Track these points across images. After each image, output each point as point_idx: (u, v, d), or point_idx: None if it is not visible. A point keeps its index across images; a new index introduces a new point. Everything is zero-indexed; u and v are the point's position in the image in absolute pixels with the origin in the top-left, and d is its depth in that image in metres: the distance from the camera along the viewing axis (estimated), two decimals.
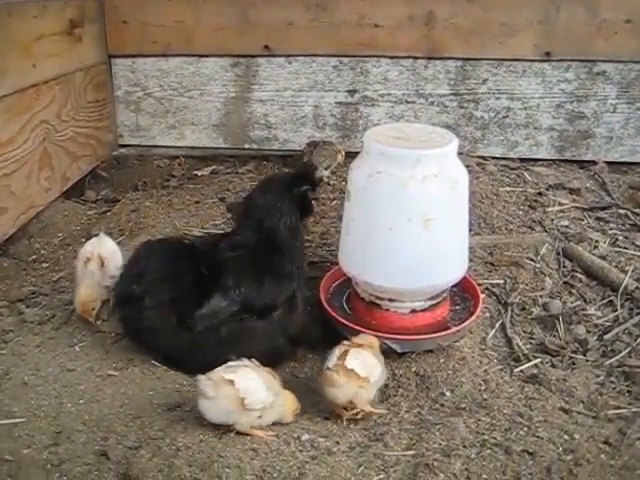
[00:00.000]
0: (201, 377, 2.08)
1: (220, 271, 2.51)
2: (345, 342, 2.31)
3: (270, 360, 2.34)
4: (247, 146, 4.49)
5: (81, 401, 2.29)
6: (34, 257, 3.36)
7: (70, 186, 3.98)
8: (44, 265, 3.29)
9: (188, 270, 2.52)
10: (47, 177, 3.67)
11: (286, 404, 2.21)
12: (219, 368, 2.13)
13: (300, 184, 2.73)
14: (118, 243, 3.07)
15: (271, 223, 2.63)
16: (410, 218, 2.37)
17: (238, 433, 2.13)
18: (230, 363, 2.17)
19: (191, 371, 2.37)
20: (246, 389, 2.09)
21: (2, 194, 3.23)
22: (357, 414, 2.28)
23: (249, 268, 2.54)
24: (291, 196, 2.68)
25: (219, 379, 2.08)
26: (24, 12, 3.43)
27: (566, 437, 2.15)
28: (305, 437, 2.16)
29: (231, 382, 2.08)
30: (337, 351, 2.25)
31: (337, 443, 2.16)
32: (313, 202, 2.83)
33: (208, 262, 2.55)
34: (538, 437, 2.14)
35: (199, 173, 4.35)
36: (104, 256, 2.79)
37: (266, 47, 4.24)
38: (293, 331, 2.59)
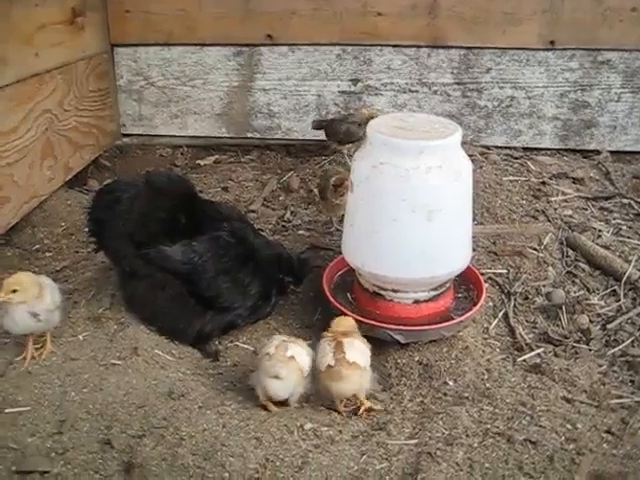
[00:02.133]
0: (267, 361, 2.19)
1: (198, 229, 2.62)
2: (327, 333, 2.29)
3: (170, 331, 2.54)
4: (250, 135, 4.48)
5: (85, 390, 2.29)
6: (37, 246, 3.36)
7: (73, 175, 3.98)
8: (47, 254, 3.30)
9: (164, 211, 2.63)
10: (50, 166, 3.67)
11: None
12: (271, 346, 2.22)
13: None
14: None
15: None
16: (414, 209, 2.37)
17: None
18: (274, 339, 2.27)
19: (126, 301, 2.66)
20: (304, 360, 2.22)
21: (5, 183, 3.23)
22: (359, 408, 2.29)
23: (222, 254, 2.60)
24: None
25: (284, 358, 2.17)
26: (26, 1, 3.41)
27: (569, 426, 2.16)
28: (308, 426, 2.17)
29: (293, 358, 2.18)
30: (328, 346, 2.23)
31: (340, 432, 2.17)
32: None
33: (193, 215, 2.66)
34: (541, 426, 2.15)
35: (202, 162, 4.35)
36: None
37: (269, 36, 4.22)
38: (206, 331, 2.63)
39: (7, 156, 3.24)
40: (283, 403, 2.28)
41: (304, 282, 2.91)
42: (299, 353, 2.23)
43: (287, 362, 2.19)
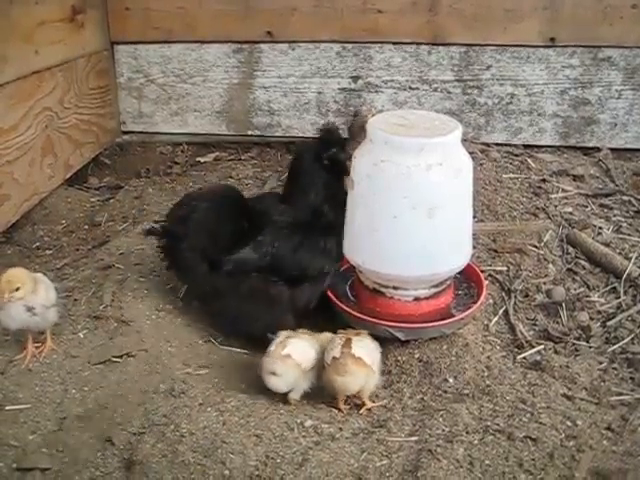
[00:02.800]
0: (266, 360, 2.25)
1: (261, 229, 2.67)
2: (341, 331, 2.32)
3: (268, 328, 2.48)
4: (250, 133, 4.48)
5: (85, 387, 2.30)
6: (37, 244, 3.37)
7: (73, 173, 3.99)
8: (47, 252, 3.30)
9: (231, 221, 2.72)
10: (50, 164, 3.67)
11: None
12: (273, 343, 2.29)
13: (327, 148, 2.80)
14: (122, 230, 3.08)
15: (316, 201, 2.76)
16: (414, 206, 2.36)
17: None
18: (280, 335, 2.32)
19: (212, 315, 2.70)
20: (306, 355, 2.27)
21: (5, 181, 3.24)
22: (359, 406, 2.29)
23: (289, 234, 2.67)
24: (322, 167, 2.78)
25: (281, 356, 2.23)
26: None
27: (569, 423, 2.16)
28: (308, 423, 2.17)
29: (289, 356, 2.22)
30: (338, 340, 2.25)
31: (340, 429, 2.17)
32: (345, 160, 2.82)
33: (253, 218, 2.73)
34: (541, 423, 2.15)
35: (202, 160, 4.36)
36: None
37: (269, 33, 4.22)
38: (302, 305, 2.67)
39: (7, 154, 3.25)
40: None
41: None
42: (298, 349, 2.25)
43: (283, 360, 2.22)
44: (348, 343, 2.21)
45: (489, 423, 2.17)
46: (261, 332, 2.51)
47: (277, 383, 2.25)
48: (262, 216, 2.73)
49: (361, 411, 2.28)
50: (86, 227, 3.56)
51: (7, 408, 2.18)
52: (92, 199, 3.88)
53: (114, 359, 2.45)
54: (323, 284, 2.68)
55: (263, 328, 2.53)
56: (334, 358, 2.19)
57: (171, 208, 2.78)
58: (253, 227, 2.70)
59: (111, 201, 3.81)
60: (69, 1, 3.85)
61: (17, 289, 2.30)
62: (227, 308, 2.65)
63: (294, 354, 2.24)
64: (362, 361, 2.19)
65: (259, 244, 2.62)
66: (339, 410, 2.29)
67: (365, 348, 2.25)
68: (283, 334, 2.34)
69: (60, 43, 3.75)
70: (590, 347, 2.59)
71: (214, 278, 2.61)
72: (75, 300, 2.78)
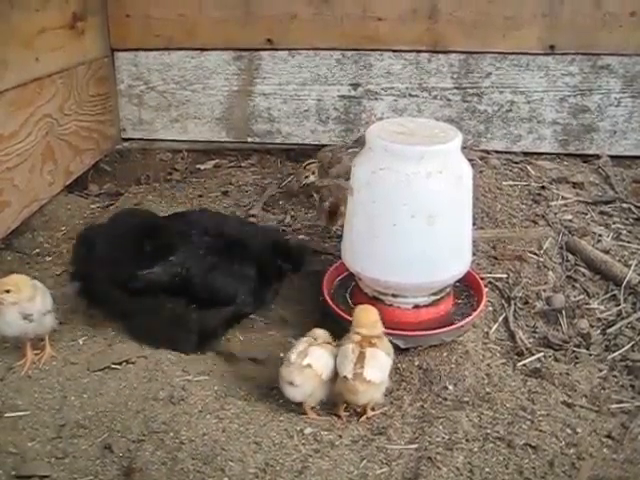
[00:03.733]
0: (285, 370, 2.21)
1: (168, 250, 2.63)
2: (354, 336, 2.25)
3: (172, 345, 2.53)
4: (250, 140, 4.48)
5: (84, 395, 2.30)
6: (37, 251, 3.36)
7: (73, 180, 3.98)
8: (47, 259, 3.30)
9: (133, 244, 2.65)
10: (50, 171, 3.67)
11: None
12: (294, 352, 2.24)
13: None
14: None
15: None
16: (414, 214, 2.37)
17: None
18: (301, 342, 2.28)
19: (132, 334, 2.62)
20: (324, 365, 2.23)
21: (5, 188, 3.23)
22: (361, 416, 2.29)
23: (202, 255, 2.62)
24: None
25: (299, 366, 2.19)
26: (26, 5, 3.42)
27: (569, 431, 2.16)
28: (308, 430, 2.17)
29: (309, 366, 2.19)
30: (351, 354, 2.19)
31: (340, 436, 2.17)
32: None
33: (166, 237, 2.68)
34: (541, 431, 2.15)
35: (202, 167, 4.36)
36: None
37: (269, 40, 4.23)
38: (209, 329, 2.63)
39: (7, 160, 3.24)
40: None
41: (302, 269, 2.90)
42: (319, 359, 2.23)
43: (303, 370, 2.19)
44: (361, 360, 2.17)
45: (489, 431, 2.16)
46: (168, 348, 2.55)
47: (294, 393, 2.22)
48: (178, 235, 2.70)
49: (361, 419, 2.28)
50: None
51: (6, 415, 2.18)
52: (92, 206, 3.88)
53: (113, 366, 2.45)
54: (230, 309, 2.63)
55: (168, 345, 2.56)
56: (345, 377, 2.17)
57: (73, 249, 2.77)
58: (165, 246, 2.65)
59: (111, 208, 3.81)
60: (70, 8, 3.86)
61: (7, 291, 2.31)
62: (138, 326, 2.62)
63: (315, 364, 2.21)
64: (372, 382, 2.17)
65: (168, 264, 2.58)
66: (339, 417, 2.29)
67: (377, 365, 2.20)
68: (304, 341, 2.29)
69: (60, 50, 3.75)
70: (590, 354, 2.59)
71: (124, 298, 2.58)
72: (74, 307, 2.78)
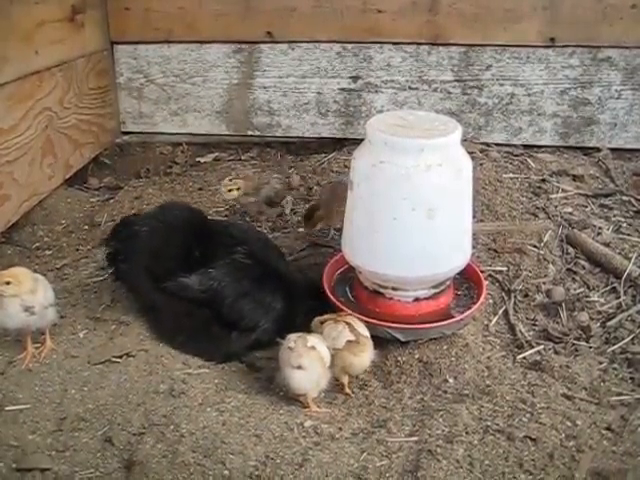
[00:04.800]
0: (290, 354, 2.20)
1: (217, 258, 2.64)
2: (324, 318, 2.41)
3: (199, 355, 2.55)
4: (250, 133, 4.48)
5: (85, 388, 2.30)
6: (37, 244, 3.37)
7: (73, 173, 3.98)
8: (47, 252, 3.30)
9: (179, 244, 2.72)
10: (50, 164, 3.67)
11: None
12: (291, 340, 2.25)
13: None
14: None
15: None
16: (414, 207, 2.36)
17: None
18: (291, 336, 2.28)
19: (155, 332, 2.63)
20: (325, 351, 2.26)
21: (5, 181, 3.23)
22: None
23: (239, 277, 2.61)
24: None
25: (304, 348, 2.20)
26: None
27: (568, 423, 2.16)
28: (308, 423, 2.18)
29: (313, 348, 2.21)
30: (338, 326, 2.34)
31: (340, 429, 2.18)
32: None
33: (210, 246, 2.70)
34: (541, 423, 2.15)
35: (202, 160, 4.36)
36: None
37: (269, 33, 4.22)
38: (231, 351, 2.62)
39: (7, 154, 3.24)
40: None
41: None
42: (319, 343, 2.25)
43: (309, 352, 2.20)
44: (352, 326, 2.32)
45: (489, 423, 2.17)
46: (193, 354, 2.56)
47: (303, 379, 2.21)
48: (225, 247, 2.71)
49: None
50: (86, 227, 3.55)
51: (7, 408, 2.18)
52: (92, 199, 3.88)
53: (114, 359, 2.45)
54: (253, 336, 2.60)
55: (194, 352, 2.57)
56: (349, 341, 2.27)
57: (113, 230, 2.83)
58: (210, 255, 2.67)
59: (111, 201, 3.81)
60: (69, 1, 3.85)
61: (8, 283, 2.31)
62: (163, 324, 2.65)
63: (318, 347, 2.23)
64: (369, 339, 2.33)
65: (206, 277, 2.59)
66: (347, 395, 2.34)
67: (363, 326, 2.37)
68: (293, 335, 2.30)
69: (60, 43, 3.75)
70: (590, 347, 2.59)
71: (154, 294, 2.62)
72: (75, 300, 2.79)
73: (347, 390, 2.37)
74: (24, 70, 3.38)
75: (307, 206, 3.17)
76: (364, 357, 2.32)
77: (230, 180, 3.33)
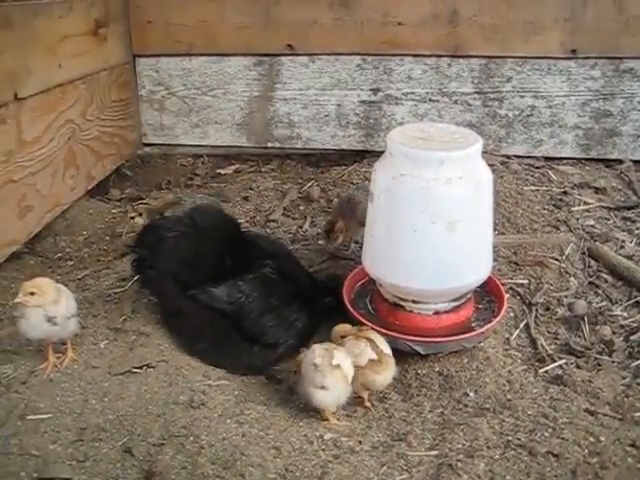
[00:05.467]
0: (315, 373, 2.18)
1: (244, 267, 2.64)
2: (347, 332, 2.41)
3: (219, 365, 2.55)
4: (270, 145, 4.50)
5: (105, 398, 2.31)
6: (59, 255, 3.39)
7: (95, 185, 4.02)
8: (69, 263, 3.33)
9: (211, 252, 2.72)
10: (72, 176, 3.71)
11: None
12: (316, 354, 2.22)
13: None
14: None
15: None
16: (434, 220, 2.36)
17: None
18: (316, 349, 2.25)
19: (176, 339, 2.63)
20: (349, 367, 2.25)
21: (28, 192, 3.27)
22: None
23: (267, 293, 2.61)
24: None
25: (329, 367, 2.18)
26: (50, 13, 3.47)
27: (592, 439, 2.12)
28: (328, 436, 2.17)
29: (338, 366, 2.19)
30: (360, 343, 2.32)
31: (360, 442, 2.16)
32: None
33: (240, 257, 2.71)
34: (563, 439, 2.12)
35: (222, 172, 4.38)
36: None
37: (289, 46, 4.24)
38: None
39: (30, 165, 3.28)
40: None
41: None
42: (345, 360, 2.24)
43: (333, 372, 2.19)
44: (374, 343, 2.31)
45: (510, 438, 2.14)
46: (214, 365, 2.55)
47: (325, 398, 2.21)
48: (254, 259, 2.71)
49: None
50: (107, 238, 3.58)
51: (29, 417, 2.19)
52: (113, 210, 3.91)
53: (134, 370, 2.46)
54: (276, 352, 2.60)
55: (215, 362, 2.56)
56: (371, 360, 2.27)
57: (139, 236, 2.81)
58: (240, 266, 2.68)
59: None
60: (92, 15, 3.90)
61: (32, 293, 2.33)
62: (185, 330, 2.64)
63: (343, 365, 2.22)
64: (390, 356, 2.32)
65: (234, 289, 2.58)
66: (366, 408, 2.34)
67: (385, 344, 2.35)
68: (317, 346, 2.29)
69: (83, 56, 3.80)
70: (613, 362, 2.56)
71: (180, 300, 2.61)
72: (96, 311, 2.80)
73: (367, 404, 2.36)
74: (48, 83, 3.43)
75: (326, 220, 3.15)
76: (386, 375, 2.31)
77: (133, 208, 3.28)
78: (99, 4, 3.99)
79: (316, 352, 2.23)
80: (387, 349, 2.33)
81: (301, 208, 3.79)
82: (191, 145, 4.58)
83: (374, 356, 2.28)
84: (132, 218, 3.13)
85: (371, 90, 4.27)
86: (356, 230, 3.04)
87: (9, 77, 3.11)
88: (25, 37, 3.23)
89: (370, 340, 2.32)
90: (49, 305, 2.36)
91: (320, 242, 3.31)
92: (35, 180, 3.33)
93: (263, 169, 4.39)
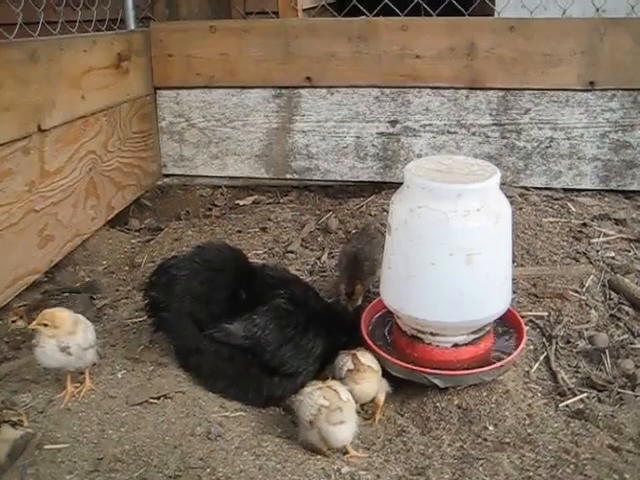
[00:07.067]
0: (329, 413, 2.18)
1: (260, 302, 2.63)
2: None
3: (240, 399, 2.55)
4: (289, 176, 4.53)
5: (122, 428, 2.30)
6: (79, 285, 3.41)
7: (115, 215, 4.06)
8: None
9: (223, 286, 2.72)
10: (93, 206, 3.75)
11: None
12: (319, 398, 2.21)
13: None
14: None
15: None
16: (452, 253, 2.34)
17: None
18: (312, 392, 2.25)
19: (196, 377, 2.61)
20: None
21: (49, 222, 3.31)
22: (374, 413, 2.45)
23: (284, 324, 2.59)
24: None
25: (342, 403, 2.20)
26: (75, 46, 3.54)
27: (615, 476, 2.08)
28: (345, 470, 2.14)
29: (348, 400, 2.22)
30: (345, 357, 2.44)
31: (378, 476, 2.13)
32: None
33: (253, 290, 2.71)
34: (586, 475, 2.08)
35: (241, 203, 4.41)
36: None
37: (308, 78, 4.29)
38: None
39: (52, 195, 3.33)
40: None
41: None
42: (348, 394, 2.24)
43: (346, 405, 2.19)
44: (355, 356, 2.39)
45: (531, 474, 2.11)
46: (234, 399, 2.54)
47: (346, 432, 2.20)
48: (267, 287, 2.71)
49: (375, 416, 2.39)
50: (126, 268, 3.60)
51: (45, 447, 2.19)
52: (133, 240, 3.94)
53: (151, 400, 2.45)
54: (296, 381, 2.56)
55: (234, 396, 2.55)
56: (349, 370, 2.36)
57: (150, 279, 2.78)
58: (254, 299, 2.67)
59: (151, 242, 3.87)
60: (115, 49, 3.98)
61: (45, 325, 2.35)
62: (205, 368, 2.62)
63: (351, 399, 2.23)
64: (372, 368, 2.38)
65: (250, 323, 2.57)
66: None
67: (369, 358, 2.43)
68: (314, 384, 2.29)
69: (106, 89, 3.87)
70: (636, 396, 2.51)
71: (199, 338, 2.59)
72: (114, 341, 2.81)
73: (378, 416, 2.43)
74: (71, 115, 3.49)
75: (343, 286, 3.09)
76: (364, 387, 2.36)
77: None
78: (122, 38, 4.08)
79: (314, 394, 2.22)
80: (369, 361, 2.40)
81: (319, 239, 3.79)
82: (210, 176, 4.62)
83: (351, 367, 2.36)
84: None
85: (389, 122, 4.30)
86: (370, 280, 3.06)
87: (34, 109, 3.17)
88: (50, 70, 3.30)
89: (353, 354, 2.41)
90: (63, 336, 2.37)
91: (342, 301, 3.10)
92: (57, 210, 3.37)
93: (281, 200, 4.41)
